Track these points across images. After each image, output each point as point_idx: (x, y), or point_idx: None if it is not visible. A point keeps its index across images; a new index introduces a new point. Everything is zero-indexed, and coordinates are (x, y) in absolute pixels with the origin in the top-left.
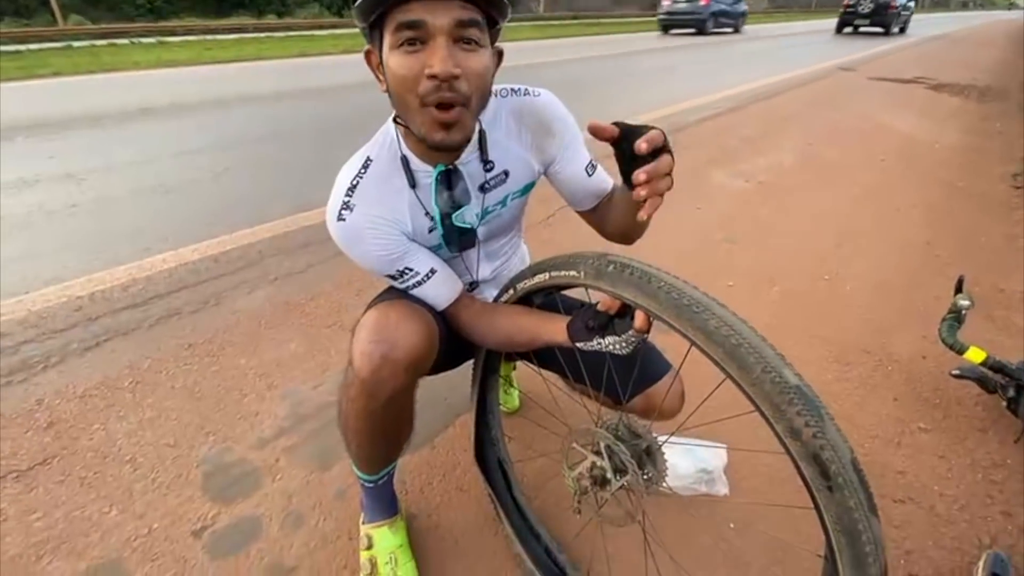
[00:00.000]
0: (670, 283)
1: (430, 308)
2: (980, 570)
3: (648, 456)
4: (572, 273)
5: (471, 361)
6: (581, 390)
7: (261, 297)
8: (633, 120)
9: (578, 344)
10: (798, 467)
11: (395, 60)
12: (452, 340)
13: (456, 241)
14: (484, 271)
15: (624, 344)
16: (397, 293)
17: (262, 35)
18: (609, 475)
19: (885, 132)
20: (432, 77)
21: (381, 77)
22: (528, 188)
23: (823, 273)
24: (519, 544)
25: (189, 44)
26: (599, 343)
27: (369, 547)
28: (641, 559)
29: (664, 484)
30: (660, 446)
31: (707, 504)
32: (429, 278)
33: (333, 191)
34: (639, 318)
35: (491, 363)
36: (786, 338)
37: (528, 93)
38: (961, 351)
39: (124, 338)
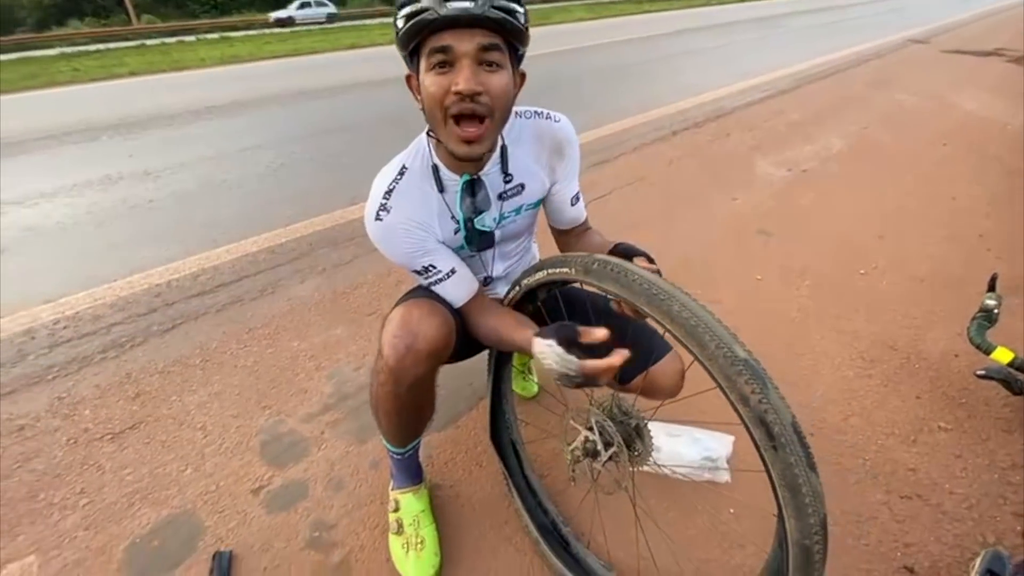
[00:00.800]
0: (643, 277)
1: (448, 305)
2: (977, 565)
3: (636, 433)
4: (565, 270)
5: (487, 352)
6: None
7: (311, 286)
8: (676, 107)
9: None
10: (749, 431)
11: (428, 80)
12: (468, 333)
13: (476, 242)
14: (498, 269)
15: (561, 363)
16: (422, 292)
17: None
18: (599, 448)
19: (951, 112)
20: (458, 93)
21: (418, 97)
22: (540, 202)
23: (860, 267)
24: (527, 516)
25: (250, 39)
26: (549, 350)
27: (396, 509)
28: (634, 532)
29: (651, 460)
30: (647, 424)
31: (710, 490)
32: (449, 276)
33: (371, 194)
34: (616, 303)
35: (504, 353)
36: (810, 332)
37: (549, 117)
38: (988, 351)
39: (195, 322)
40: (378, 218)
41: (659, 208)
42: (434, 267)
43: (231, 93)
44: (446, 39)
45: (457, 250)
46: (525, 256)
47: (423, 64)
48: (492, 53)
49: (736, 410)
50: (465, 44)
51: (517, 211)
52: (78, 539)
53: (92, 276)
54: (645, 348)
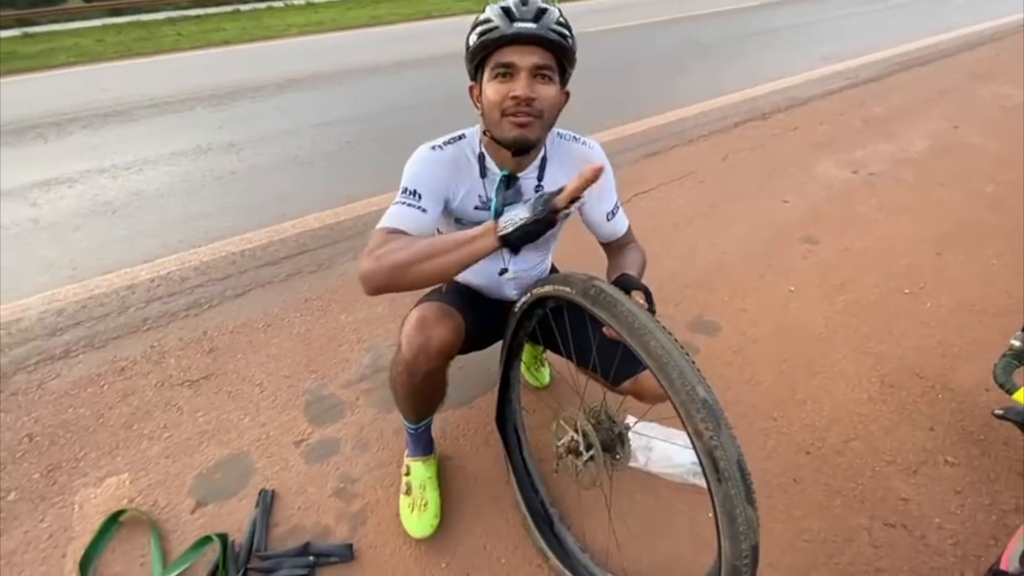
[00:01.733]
0: (629, 310)
1: (460, 309)
2: None
3: (619, 439)
4: (567, 288)
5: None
6: (584, 372)
7: None
8: (744, 95)
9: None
10: (700, 461)
11: (491, 88)
12: (482, 328)
13: None
14: (512, 266)
15: (528, 209)
16: (436, 296)
17: None
18: (581, 448)
19: None
20: (515, 98)
21: (478, 105)
22: (565, 215)
23: (906, 285)
24: (520, 494)
25: (333, 4)
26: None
27: (408, 473)
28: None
29: (639, 461)
30: (628, 432)
31: (694, 494)
32: (420, 212)
33: (443, 136)
34: (606, 331)
35: (514, 347)
36: (832, 350)
37: (585, 143)
38: (1011, 391)
39: (262, 289)
40: (433, 148)
41: (704, 206)
42: (420, 198)
43: (311, 66)
44: (508, 55)
45: (464, 226)
46: (539, 266)
47: (487, 75)
48: (545, 70)
49: (691, 441)
50: (525, 59)
51: None
52: (160, 465)
53: (183, 240)
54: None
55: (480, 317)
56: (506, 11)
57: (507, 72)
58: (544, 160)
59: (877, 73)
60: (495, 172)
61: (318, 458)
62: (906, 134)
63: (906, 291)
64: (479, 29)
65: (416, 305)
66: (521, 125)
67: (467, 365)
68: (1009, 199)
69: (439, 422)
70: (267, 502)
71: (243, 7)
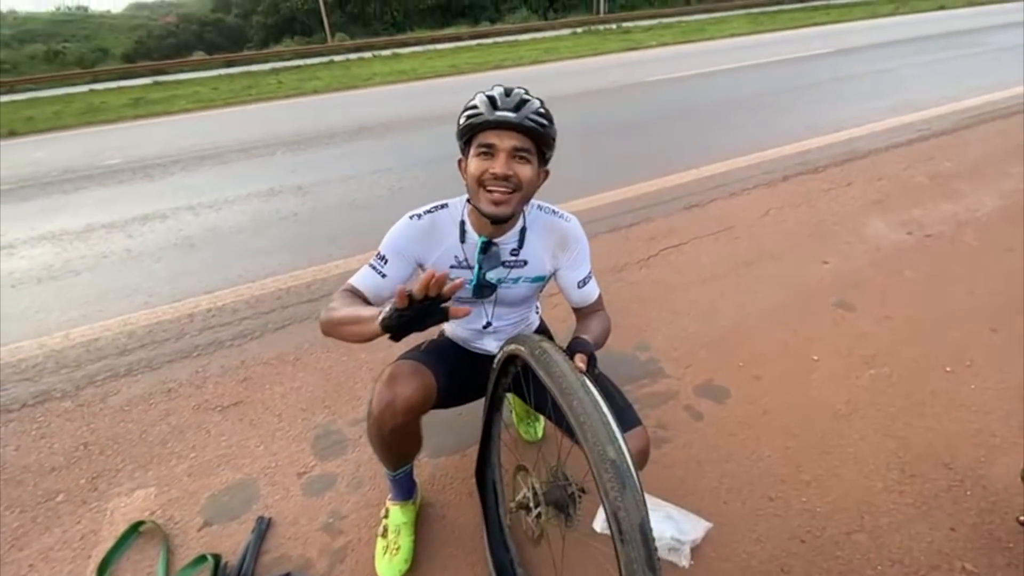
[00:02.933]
0: (561, 371)
1: (434, 365)
2: None
3: (571, 500)
4: (521, 348)
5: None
6: (560, 430)
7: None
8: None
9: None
10: (608, 521)
11: (473, 164)
12: (462, 383)
13: (481, 289)
14: (496, 320)
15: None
16: (412, 354)
17: (474, 43)
18: (531, 505)
19: None
20: (493, 175)
21: (464, 176)
22: (539, 279)
23: (949, 362)
24: (490, 551)
25: (416, 55)
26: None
27: (386, 516)
28: None
29: (598, 528)
30: (579, 495)
31: (667, 569)
32: (380, 278)
33: (425, 206)
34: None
35: (495, 402)
36: (850, 429)
37: (561, 216)
38: None
39: (299, 324)
40: (411, 217)
41: (735, 264)
42: (387, 266)
43: (385, 114)
44: (491, 137)
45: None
46: (522, 324)
47: (472, 152)
48: (523, 152)
49: (600, 500)
50: (504, 142)
51: (516, 280)
52: (182, 483)
53: (241, 275)
54: (615, 415)
55: (460, 372)
56: (491, 100)
57: (488, 152)
58: (524, 230)
59: (953, 125)
60: (473, 237)
61: (315, 491)
62: (975, 193)
63: (948, 369)
64: (467, 113)
65: (393, 362)
66: (497, 202)
67: (466, 413)
68: None
69: (429, 468)
70: (262, 529)
71: (337, 57)
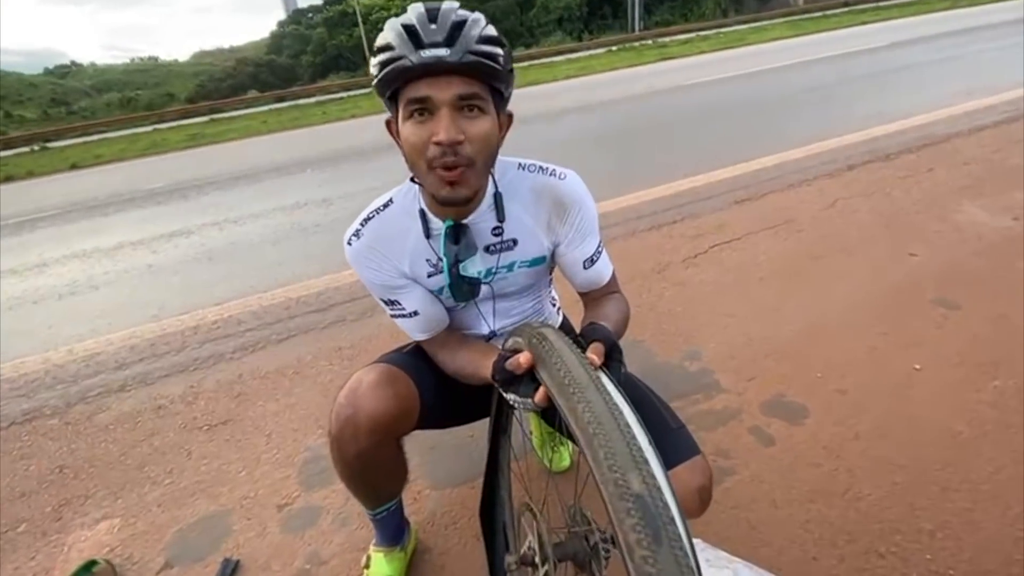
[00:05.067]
0: (563, 361)
1: (419, 372)
2: None
3: (593, 552)
4: (519, 340)
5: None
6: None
7: None
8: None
9: (500, 389)
10: None
11: (407, 130)
12: (458, 398)
13: (462, 290)
14: (499, 325)
15: (523, 407)
16: (389, 356)
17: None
18: (536, 561)
19: None
20: (438, 144)
21: (399, 143)
22: (538, 261)
23: None
24: None
25: None
26: (508, 395)
27: (367, 565)
28: None
29: None
30: (605, 546)
31: None
32: (412, 316)
33: (362, 214)
34: (540, 392)
35: (501, 423)
36: (978, 457)
37: (553, 174)
38: None
39: (304, 335)
40: (349, 242)
41: (800, 259)
42: (398, 303)
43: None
44: (423, 89)
45: (438, 295)
46: (534, 319)
47: (401, 112)
48: (473, 99)
49: (622, 557)
50: (443, 93)
51: (509, 267)
52: (151, 513)
53: (254, 285)
54: (659, 446)
55: (455, 383)
56: (410, 33)
57: (423, 108)
58: (499, 197)
59: None
60: (439, 227)
61: (295, 527)
62: None
63: None
64: (380, 59)
65: (368, 364)
66: (452, 183)
67: (478, 433)
68: None
69: (430, 501)
70: (227, 574)
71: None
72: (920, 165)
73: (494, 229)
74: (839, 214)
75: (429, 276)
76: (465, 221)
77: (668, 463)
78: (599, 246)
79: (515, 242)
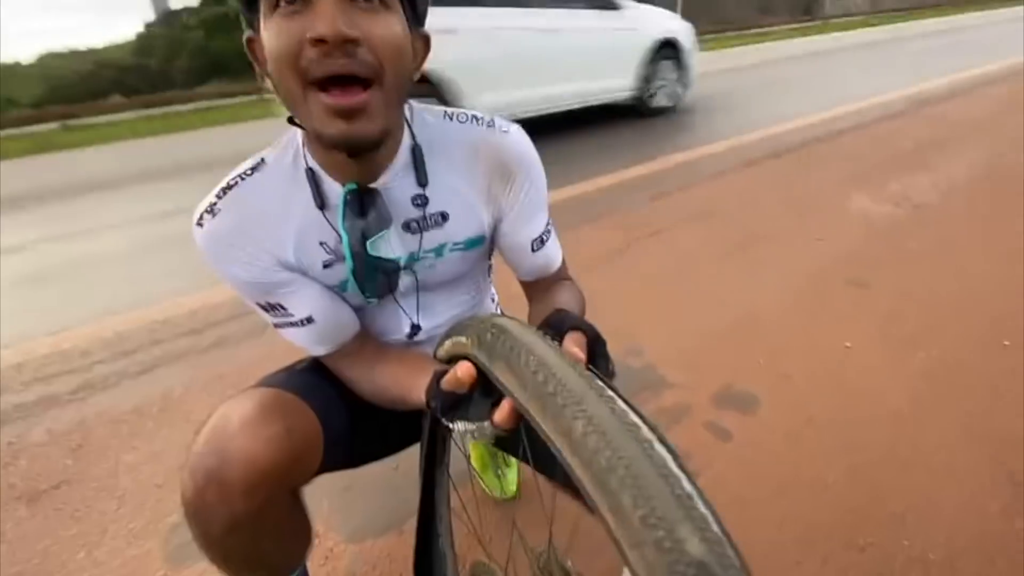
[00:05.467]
0: (540, 358)
1: (321, 396)
2: None
3: None
4: (463, 339)
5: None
6: (564, 489)
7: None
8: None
9: (437, 416)
10: None
11: (272, 30)
12: (372, 430)
13: (373, 281)
14: (426, 321)
15: (478, 434)
16: (277, 377)
17: None
18: None
19: None
20: (318, 42)
21: (264, 69)
22: (475, 243)
23: (1002, 335)
24: None
25: None
26: (454, 424)
27: None
28: None
29: None
30: None
31: None
32: (305, 325)
33: (218, 185)
34: (501, 408)
35: (435, 452)
36: (924, 432)
37: (493, 125)
38: None
39: (174, 364)
40: (200, 222)
41: (725, 249)
42: (282, 308)
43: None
44: None
45: (340, 292)
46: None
47: (263, 10)
48: None
49: None
50: None
51: (438, 251)
52: None
53: (107, 307)
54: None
55: (369, 407)
56: None
57: None
58: (417, 151)
59: (904, 108)
60: (338, 193)
61: None
62: (946, 163)
63: (1006, 343)
64: None
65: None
66: (348, 114)
67: (405, 464)
68: None
69: (346, 558)
70: None
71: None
72: (812, 160)
73: (415, 198)
74: (751, 205)
75: (326, 266)
76: (374, 185)
77: None
78: (548, 223)
79: (444, 216)
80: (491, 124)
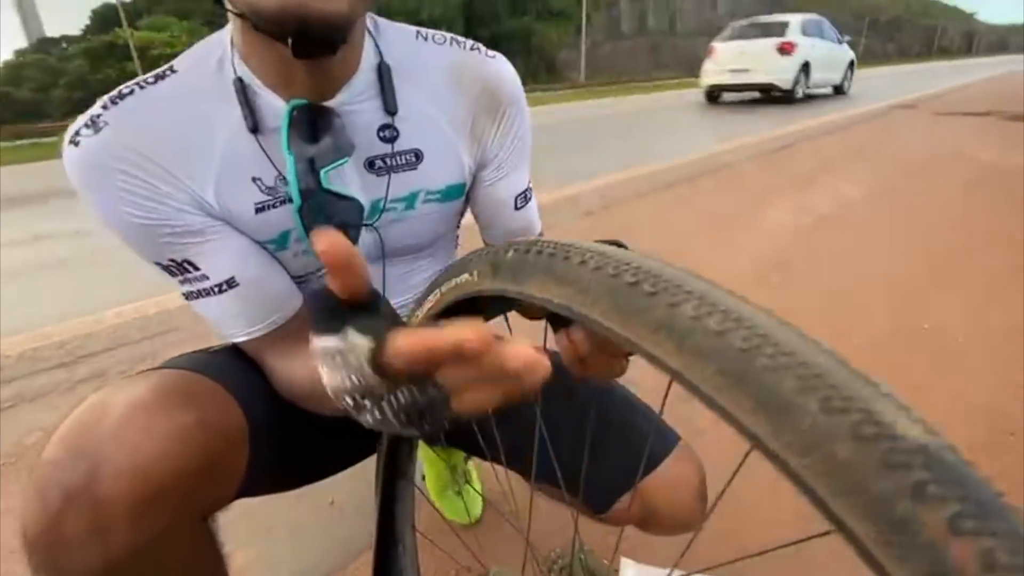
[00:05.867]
0: (604, 251)
1: (238, 394)
2: None
3: None
4: (465, 277)
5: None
6: (547, 492)
7: None
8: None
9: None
10: None
11: None
12: (320, 434)
13: (316, 218)
14: (394, 295)
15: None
16: (189, 355)
17: None
18: None
19: (965, 163)
20: None
21: None
22: (453, 192)
23: (921, 319)
24: None
25: None
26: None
27: None
28: None
29: None
30: None
31: None
32: (222, 293)
33: (110, 93)
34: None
35: (397, 463)
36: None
37: (477, 50)
38: None
39: (32, 404)
40: (75, 140)
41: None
42: (191, 266)
43: None
44: None
45: (276, 249)
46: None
47: None
48: None
49: None
50: None
51: (410, 201)
52: None
53: None
54: (633, 447)
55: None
56: None
57: None
58: (385, 70)
59: (782, 144)
60: (278, 109)
61: None
62: (831, 184)
63: (926, 326)
64: None
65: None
66: None
67: (340, 498)
68: (962, 230)
69: None
70: None
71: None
72: (704, 188)
73: (382, 129)
74: (680, 221)
75: (259, 210)
76: (329, 103)
77: (659, 454)
78: (530, 183)
79: (418, 155)
80: (475, 48)
